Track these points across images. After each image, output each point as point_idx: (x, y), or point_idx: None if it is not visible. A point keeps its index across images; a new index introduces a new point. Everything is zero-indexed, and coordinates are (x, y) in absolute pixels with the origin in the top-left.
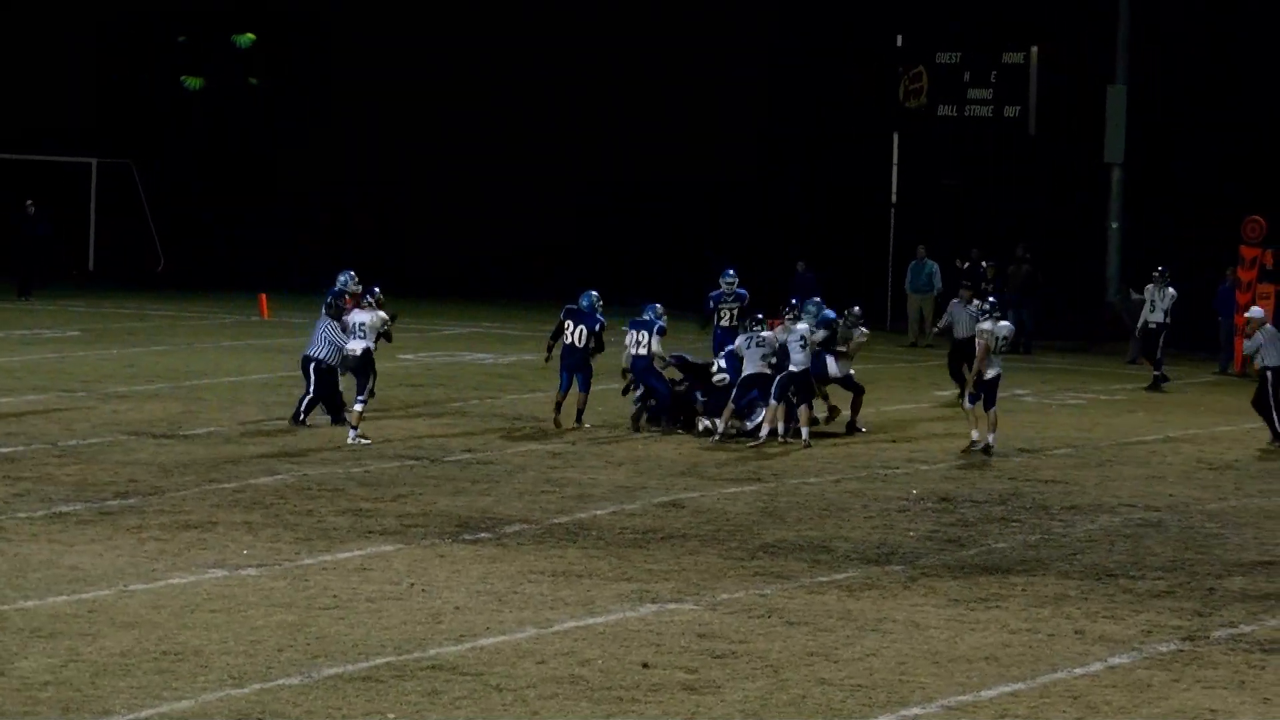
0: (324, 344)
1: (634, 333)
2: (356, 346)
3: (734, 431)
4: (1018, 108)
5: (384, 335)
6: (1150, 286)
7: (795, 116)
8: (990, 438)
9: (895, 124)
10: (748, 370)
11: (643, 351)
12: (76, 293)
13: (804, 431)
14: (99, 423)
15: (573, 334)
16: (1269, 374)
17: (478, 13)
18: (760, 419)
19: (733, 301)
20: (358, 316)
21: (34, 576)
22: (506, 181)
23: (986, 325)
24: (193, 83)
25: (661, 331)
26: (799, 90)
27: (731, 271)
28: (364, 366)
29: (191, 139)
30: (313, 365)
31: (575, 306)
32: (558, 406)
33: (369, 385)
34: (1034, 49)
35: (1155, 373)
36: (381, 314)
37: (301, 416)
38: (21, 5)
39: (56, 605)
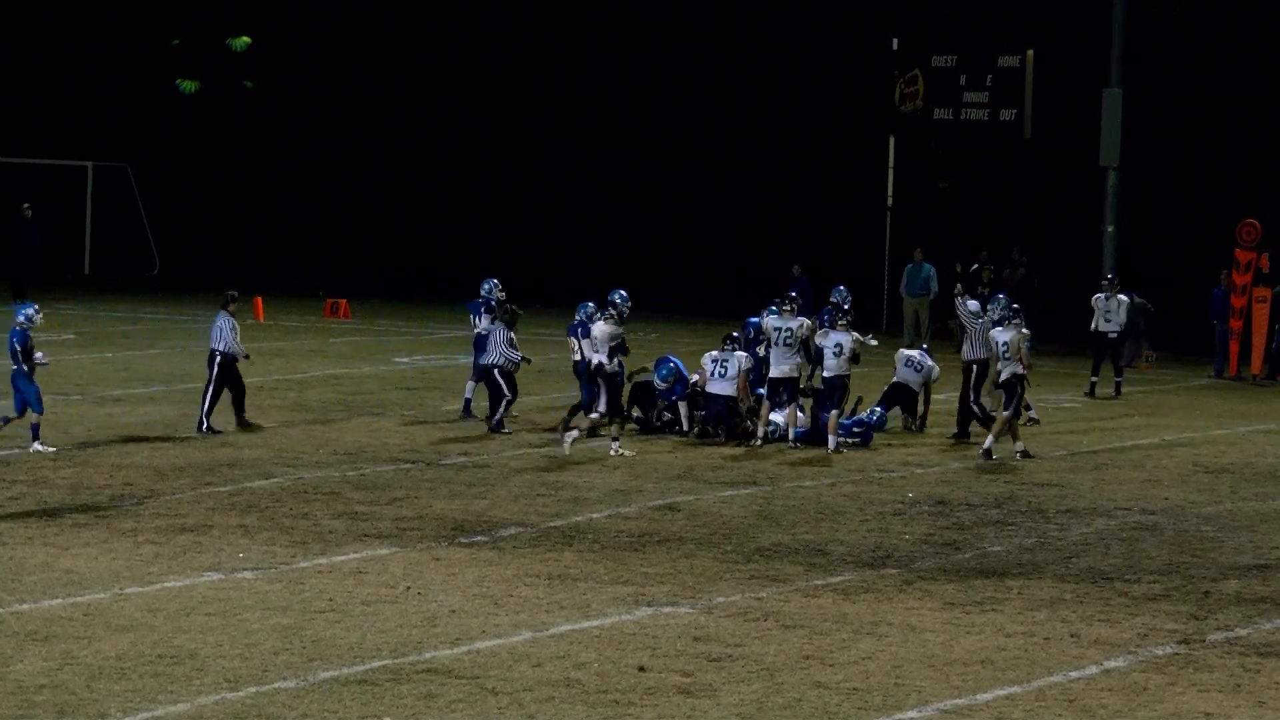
0: (498, 351)
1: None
2: (595, 359)
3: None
4: (1013, 111)
5: (618, 348)
6: (1100, 296)
7: (791, 119)
8: (988, 441)
9: (891, 127)
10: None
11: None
12: (71, 296)
13: (831, 440)
14: (94, 426)
15: (578, 349)
16: (974, 367)
17: (475, 14)
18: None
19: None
20: (594, 329)
21: (29, 580)
22: (501, 183)
23: (992, 331)
24: (188, 86)
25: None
26: (795, 93)
27: (843, 288)
28: (599, 378)
29: (187, 142)
30: (495, 370)
31: (574, 321)
32: (572, 412)
33: (607, 397)
34: (1030, 52)
35: (1116, 379)
36: (618, 328)
37: (500, 424)
38: (17, 8)
39: (52, 608)
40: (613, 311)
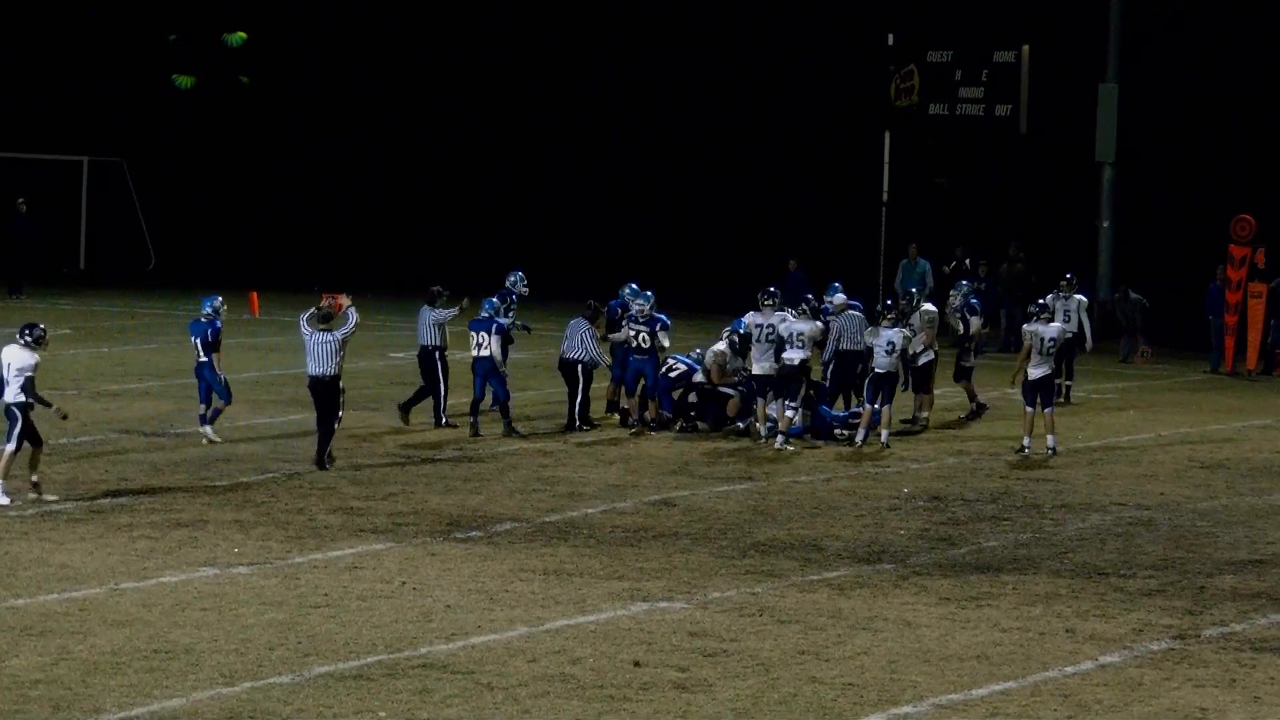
0: (582, 348)
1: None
2: (794, 356)
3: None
4: (1009, 106)
5: (821, 345)
6: (1052, 296)
7: (787, 115)
8: (1050, 439)
9: (887, 122)
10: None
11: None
12: (67, 291)
13: (884, 434)
14: (90, 421)
15: (488, 344)
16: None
17: (472, 11)
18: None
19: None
20: (795, 326)
21: (25, 575)
22: (496, 180)
23: (1032, 325)
24: (184, 81)
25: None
26: (791, 88)
27: (838, 285)
28: (797, 376)
29: (183, 137)
30: (580, 367)
31: (482, 316)
32: (474, 408)
33: (799, 394)
34: (1025, 48)
35: (1067, 382)
36: (818, 324)
37: (578, 422)
38: (13, 3)
39: (47, 603)
40: (806, 308)
